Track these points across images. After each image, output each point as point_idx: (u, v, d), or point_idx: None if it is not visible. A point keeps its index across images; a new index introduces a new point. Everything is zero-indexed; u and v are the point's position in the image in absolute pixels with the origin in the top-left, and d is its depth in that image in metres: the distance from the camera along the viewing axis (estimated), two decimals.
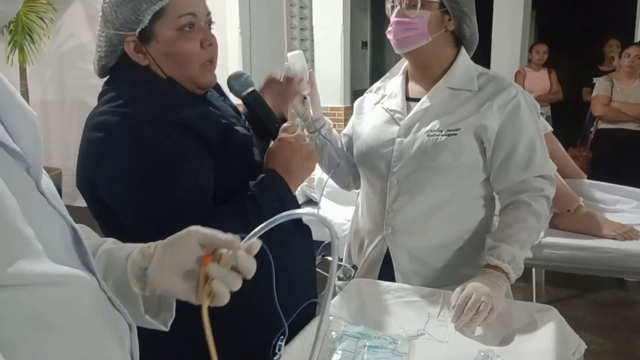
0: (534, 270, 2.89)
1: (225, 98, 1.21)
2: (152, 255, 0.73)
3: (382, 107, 1.48)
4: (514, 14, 4.86)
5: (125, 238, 0.80)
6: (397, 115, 1.44)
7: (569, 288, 3.42)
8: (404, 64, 1.53)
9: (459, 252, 1.41)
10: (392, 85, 1.52)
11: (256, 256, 0.72)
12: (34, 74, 5.04)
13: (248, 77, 1.16)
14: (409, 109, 1.44)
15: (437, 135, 1.36)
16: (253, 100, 1.16)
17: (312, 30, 5.39)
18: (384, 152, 1.42)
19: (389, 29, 1.39)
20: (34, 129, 0.61)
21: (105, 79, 1.12)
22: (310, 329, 1.09)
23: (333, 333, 1.10)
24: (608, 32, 4.72)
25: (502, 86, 1.38)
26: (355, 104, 1.60)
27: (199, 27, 1.07)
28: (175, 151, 1.00)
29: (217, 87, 1.21)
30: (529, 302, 1.34)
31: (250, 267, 0.70)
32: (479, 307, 1.15)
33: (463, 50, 1.44)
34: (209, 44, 1.08)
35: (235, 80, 1.16)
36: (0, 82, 0.59)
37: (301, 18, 5.49)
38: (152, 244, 0.75)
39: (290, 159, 1.11)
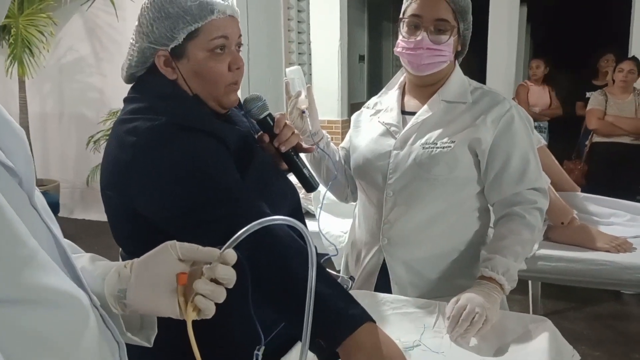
0: (530, 282, 2.90)
1: (245, 114, 1.24)
2: (129, 276, 0.71)
3: (379, 121, 1.51)
4: (509, 29, 4.91)
5: (145, 247, 0.78)
6: (392, 128, 1.46)
7: (565, 301, 3.42)
8: (400, 78, 1.56)
9: (454, 263, 1.43)
10: (388, 99, 1.54)
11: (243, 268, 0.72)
12: (33, 86, 5.06)
13: (265, 102, 1.20)
14: (404, 123, 1.46)
15: (432, 148, 1.38)
16: (268, 124, 1.20)
17: (309, 44, 5.44)
18: (380, 164, 1.44)
19: (411, 51, 1.39)
20: (23, 145, 0.61)
21: (130, 85, 1.16)
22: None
23: None
24: (602, 46, 4.78)
25: (496, 100, 1.41)
26: (353, 117, 1.62)
27: (229, 50, 1.10)
28: (206, 154, 1.03)
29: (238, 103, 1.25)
30: (523, 313, 1.35)
31: (229, 277, 0.70)
32: (474, 318, 1.16)
33: (457, 65, 1.48)
34: (237, 68, 1.11)
35: (253, 104, 1.18)
36: None
37: (299, 32, 5.55)
38: (128, 263, 0.73)
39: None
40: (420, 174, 1.39)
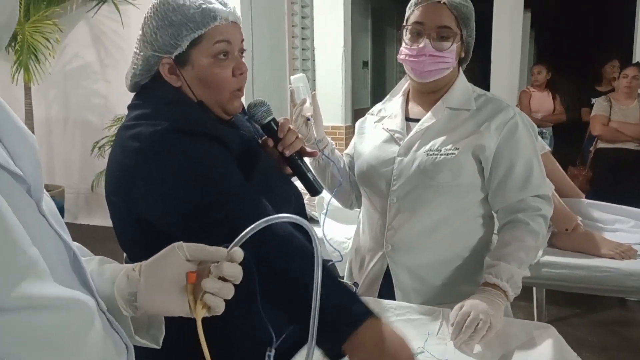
0: (535, 289, 2.89)
1: (249, 119, 1.25)
2: (138, 279, 0.72)
3: (383, 128, 1.51)
4: (513, 35, 4.92)
5: (150, 252, 0.79)
6: (397, 135, 1.47)
7: (570, 307, 3.41)
8: (404, 85, 1.56)
9: (458, 269, 1.43)
10: (392, 106, 1.55)
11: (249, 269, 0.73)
12: (38, 92, 5.09)
13: (269, 106, 1.21)
14: (408, 129, 1.47)
15: (436, 155, 1.38)
16: (272, 129, 1.21)
17: (313, 50, 5.46)
18: (384, 170, 1.45)
19: (413, 58, 1.40)
20: (33, 151, 0.62)
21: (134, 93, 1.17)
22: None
23: None
24: (606, 52, 4.78)
25: (500, 107, 1.41)
26: (357, 124, 1.63)
27: (232, 55, 1.11)
28: (209, 159, 1.04)
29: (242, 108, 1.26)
30: (527, 320, 1.35)
31: (236, 274, 0.72)
32: (478, 324, 1.16)
33: (461, 72, 1.48)
34: (240, 73, 1.12)
35: (257, 109, 1.19)
36: (0, 106, 0.60)
37: (303, 38, 5.56)
38: (136, 266, 0.74)
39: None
40: (424, 180, 1.39)
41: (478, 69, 4.98)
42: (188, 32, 1.06)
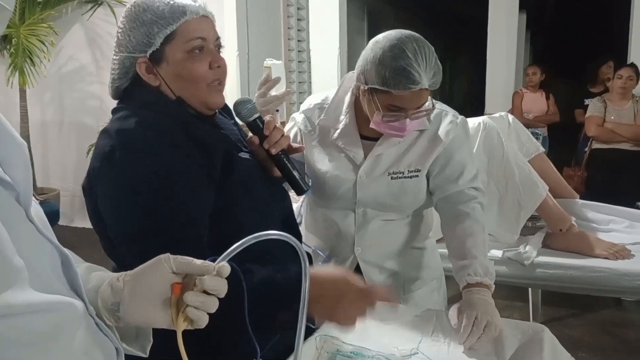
0: (530, 290, 2.89)
1: (235, 122, 1.25)
2: (122, 289, 0.71)
3: (337, 145, 1.46)
4: (508, 36, 4.93)
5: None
6: (354, 155, 1.44)
7: (566, 308, 3.42)
8: (346, 93, 1.48)
9: (409, 257, 1.54)
10: (339, 118, 1.47)
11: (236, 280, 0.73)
12: (33, 95, 5.08)
13: (254, 104, 1.21)
14: (365, 149, 1.45)
15: (399, 177, 1.43)
16: (257, 126, 1.20)
17: (309, 52, 5.46)
18: (346, 189, 1.45)
19: (394, 132, 1.35)
20: (24, 158, 0.62)
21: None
22: (306, 350, 1.10)
23: (326, 352, 1.11)
24: (601, 53, 4.79)
25: (441, 116, 1.47)
26: (299, 122, 1.52)
27: (207, 49, 1.11)
28: (171, 174, 1.03)
29: (228, 111, 1.25)
30: (521, 320, 1.36)
31: (219, 288, 0.71)
32: (485, 325, 1.17)
33: None
34: (217, 66, 1.12)
35: (242, 107, 1.19)
36: None
37: (299, 40, 5.57)
38: (120, 276, 0.73)
39: (340, 298, 1.02)
40: (389, 201, 1.45)
41: (474, 71, 4.98)
42: (160, 29, 1.07)
